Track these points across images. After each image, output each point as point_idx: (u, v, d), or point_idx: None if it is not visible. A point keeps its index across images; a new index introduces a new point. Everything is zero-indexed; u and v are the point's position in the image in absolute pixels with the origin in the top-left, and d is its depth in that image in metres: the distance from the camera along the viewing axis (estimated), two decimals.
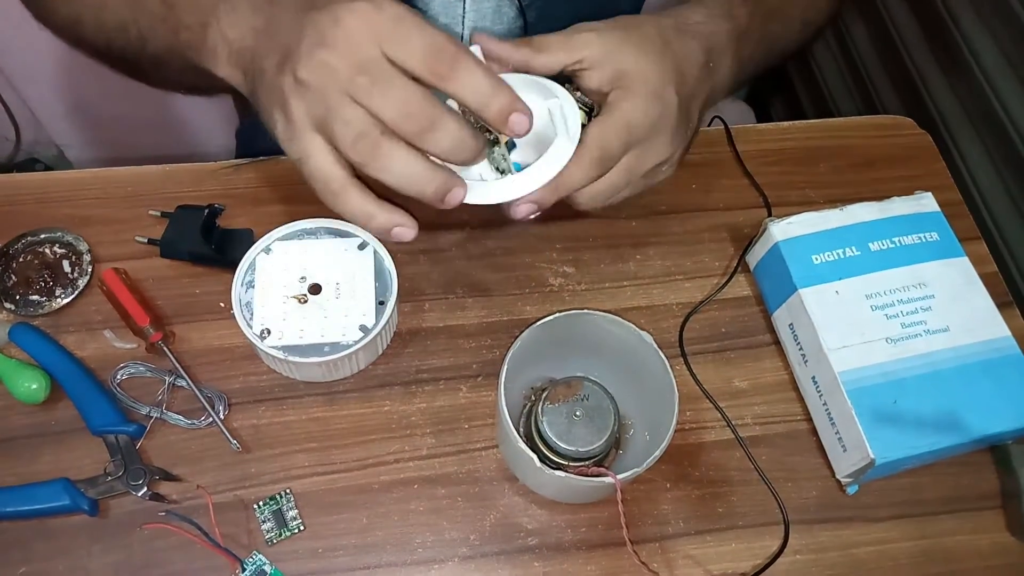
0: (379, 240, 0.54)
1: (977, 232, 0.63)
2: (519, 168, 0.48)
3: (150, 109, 1.23)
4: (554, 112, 0.48)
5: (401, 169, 0.41)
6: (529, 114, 0.42)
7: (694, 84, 0.50)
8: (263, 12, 0.46)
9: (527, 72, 0.49)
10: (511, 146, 0.51)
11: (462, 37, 0.65)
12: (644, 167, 0.49)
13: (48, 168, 1.39)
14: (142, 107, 1.22)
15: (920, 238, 0.56)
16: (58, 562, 0.48)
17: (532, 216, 0.48)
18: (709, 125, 0.66)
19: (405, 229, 0.44)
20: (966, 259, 0.55)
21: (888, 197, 0.57)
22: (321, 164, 0.43)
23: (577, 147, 0.46)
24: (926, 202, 0.57)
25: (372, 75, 0.40)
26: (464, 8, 0.63)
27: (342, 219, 0.51)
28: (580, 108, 0.49)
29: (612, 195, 0.50)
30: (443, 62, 0.40)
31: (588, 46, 0.48)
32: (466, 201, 0.45)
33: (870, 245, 0.55)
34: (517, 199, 0.47)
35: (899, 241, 0.56)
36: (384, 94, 0.40)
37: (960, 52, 0.88)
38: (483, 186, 0.47)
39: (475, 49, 0.48)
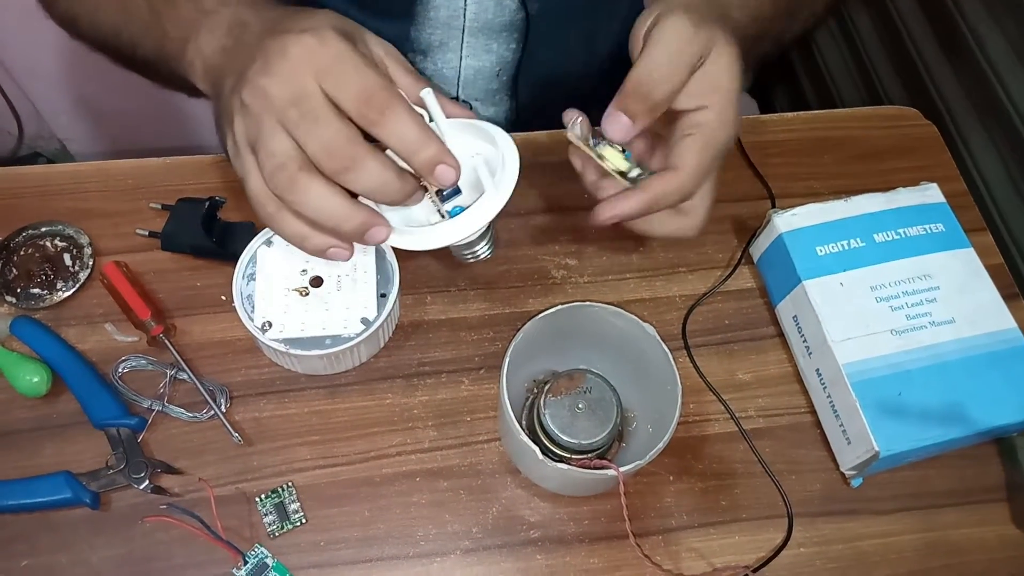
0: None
1: (983, 223, 0.62)
2: (455, 213, 0.47)
3: (153, 103, 1.23)
4: (488, 161, 0.47)
5: (316, 203, 0.42)
6: (456, 166, 0.43)
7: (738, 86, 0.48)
8: (234, 33, 0.47)
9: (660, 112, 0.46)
10: (455, 192, 0.48)
11: (463, 30, 0.65)
12: (719, 160, 0.48)
13: (51, 162, 1.39)
14: (145, 101, 1.21)
15: (925, 229, 0.55)
16: (60, 555, 0.48)
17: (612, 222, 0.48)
18: None
19: (338, 250, 0.45)
20: (972, 250, 0.55)
21: (893, 188, 0.57)
22: (256, 186, 0.44)
23: (679, 173, 0.45)
24: (931, 193, 0.57)
25: (303, 108, 0.41)
26: (465, 1, 0.63)
27: None
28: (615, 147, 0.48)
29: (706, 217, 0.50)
30: (374, 108, 0.41)
31: (693, 44, 0.44)
32: (392, 245, 0.46)
33: (875, 236, 0.55)
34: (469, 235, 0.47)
35: (904, 232, 0.55)
36: (310, 129, 0.41)
37: (965, 41, 0.87)
38: (411, 232, 0.46)
39: (426, 93, 0.47)
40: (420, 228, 0.47)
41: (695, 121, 0.46)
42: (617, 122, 0.45)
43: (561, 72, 0.70)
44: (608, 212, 0.47)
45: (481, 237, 0.49)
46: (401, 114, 0.41)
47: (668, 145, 0.47)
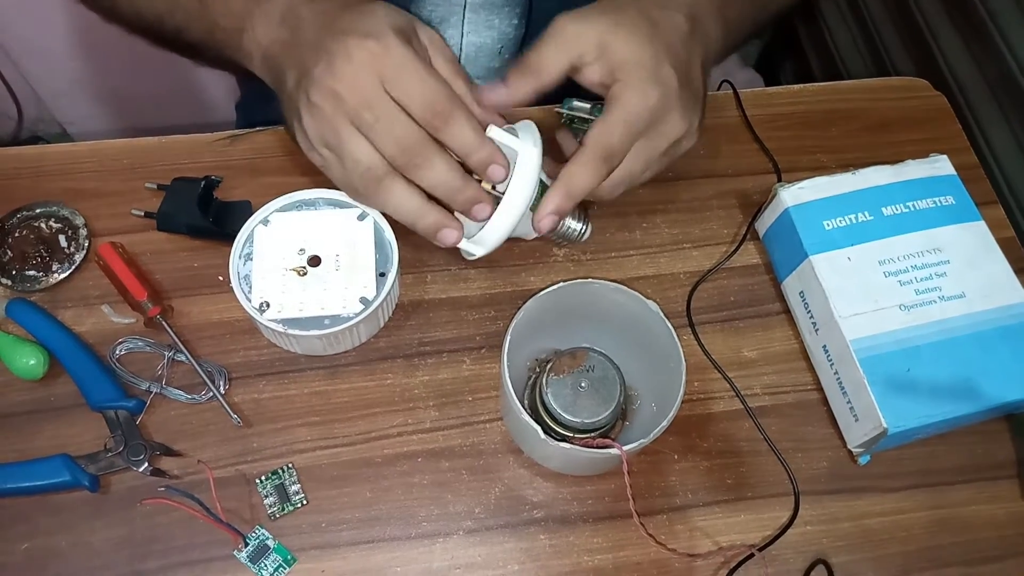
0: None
1: (994, 196, 0.61)
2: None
3: (152, 85, 1.22)
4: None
5: (396, 203, 0.47)
6: (505, 164, 0.47)
7: (687, 54, 0.49)
8: (288, 25, 0.49)
9: (539, 88, 0.48)
10: None
11: (464, 5, 0.63)
12: (659, 149, 0.49)
13: None
14: (145, 83, 1.20)
15: (935, 202, 0.54)
16: (60, 538, 0.47)
17: (557, 226, 0.50)
18: (719, 89, 0.65)
19: (450, 231, 0.48)
20: (983, 223, 0.54)
21: (902, 161, 0.56)
22: (339, 177, 0.48)
23: (581, 151, 0.47)
24: (941, 165, 0.56)
25: (376, 112, 0.44)
26: None
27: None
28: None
29: (632, 181, 0.50)
30: (439, 116, 0.45)
31: (579, 40, 0.47)
32: (463, 248, 0.49)
33: (883, 210, 0.54)
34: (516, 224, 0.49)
35: (913, 205, 0.54)
36: (386, 130, 0.45)
37: (976, 11, 0.85)
38: (474, 236, 0.49)
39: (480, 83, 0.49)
40: (479, 230, 0.49)
41: (608, 95, 0.48)
42: (494, 90, 0.48)
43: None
44: (544, 216, 0.48)
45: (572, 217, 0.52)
46: (462, 121, 0.45)
47: None
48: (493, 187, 0.48)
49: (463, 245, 0.49)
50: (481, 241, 0.49)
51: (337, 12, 0.47)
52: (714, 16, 0.52)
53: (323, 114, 0.45)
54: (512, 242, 0.57)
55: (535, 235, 0.51)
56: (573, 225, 0.53)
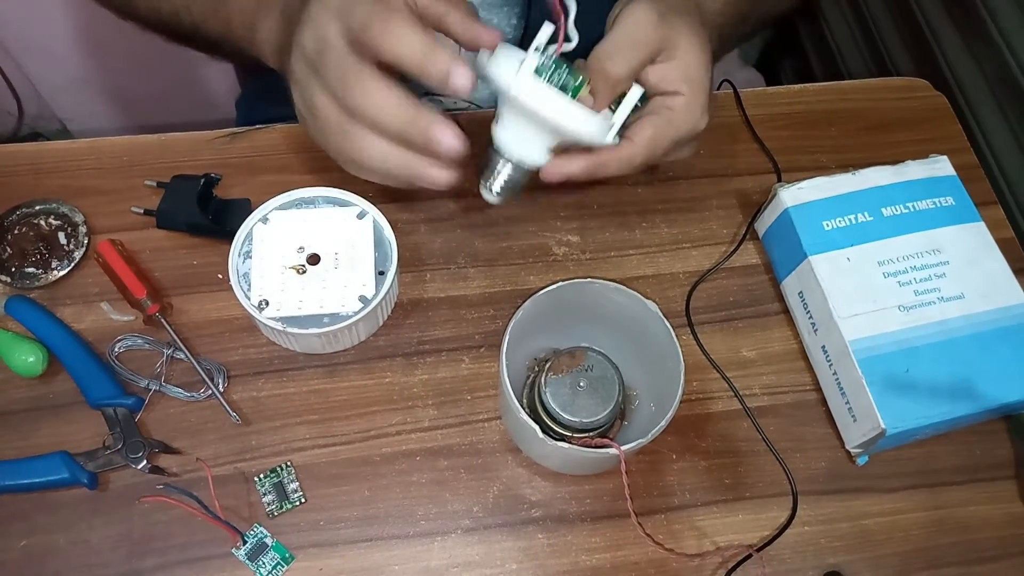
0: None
1: (993, 196, 0.61)
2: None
3: (153, 82, 1.22)
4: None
5: (375, 89, 0.42)
6: (470, 74, 0.42)
7: (714, 61, 0.50)
8: (287, 16, 0.49)
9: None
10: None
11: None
12: (680, 144, 0.50)
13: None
14: (145, 80, 1.20)
15: (935, 203, 0.54)
16: (59, 535, 0.47)
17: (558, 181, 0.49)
18: (719, 88, 0.65)
19: (432, 170, 0.44)
20: (982, 224, 0.54)
21: (902, 161, 0.56)
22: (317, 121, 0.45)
23: (628, 145, 0.47)
24: (941, 166, 0.56)
25: (323, 56, 0.43)
26: None
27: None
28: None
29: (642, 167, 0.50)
30: (374, 30, 0.42)
31: (647, 34, 0.46)
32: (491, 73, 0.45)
33: (883, 210, 0.54)
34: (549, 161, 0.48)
35: (913, 206, 0.54)
36: (327, 63, 0.43)
37: (976, 10, 0.85)
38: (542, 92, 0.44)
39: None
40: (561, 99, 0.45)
41: (664, 104, 0.48)
42: (561, 176, 0.48)
43: None
44: (556, 170, 0.48)
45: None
46: (398, 29, 0.41)
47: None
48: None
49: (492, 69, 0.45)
50: (593, 142, 0.47)
51: None
52: (725, 34, 0.55)
53: (297, 83, 0.46)
54: (511, 241, 0.57)
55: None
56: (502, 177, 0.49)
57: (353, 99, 0.43)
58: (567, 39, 0.45)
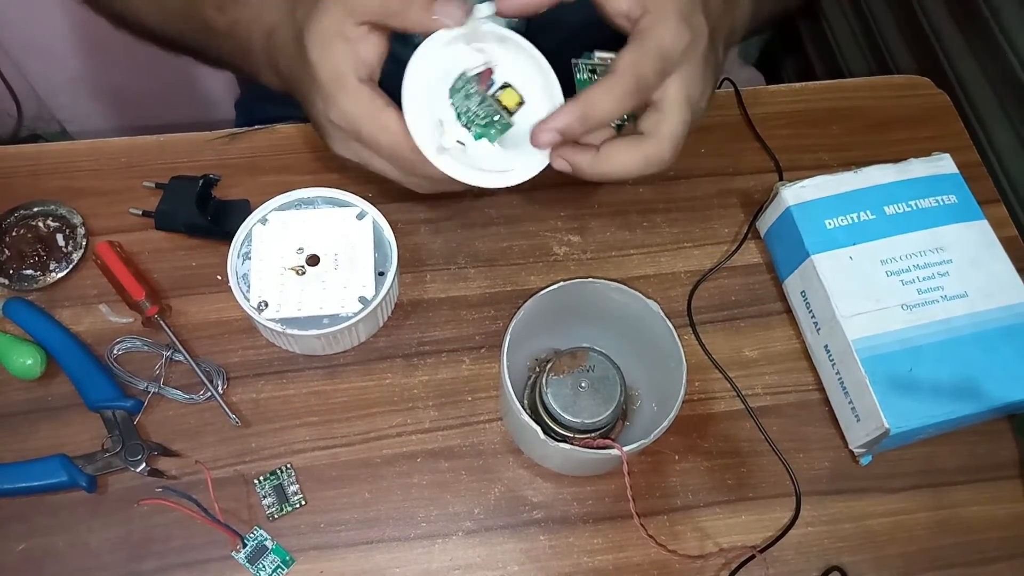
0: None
1: (996, 195, 0.61)
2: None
3: (152, 83, 1.22)
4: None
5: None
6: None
7: (717, 15, 0.47)
8: (276, 72, 0.51)
9: None
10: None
11: None
12: (694, 96, 0.46)
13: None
14: (144, 81, 1.20)
15: (938, 201, 0.54)
16: (58, 538, 0.47)
17: (557, 144, 0.45)
18: (720, 87, 0.64)
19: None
20: (985, 222, 0.53)
21: (904, 159, 0.55)
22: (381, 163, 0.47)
23: (609, 77, 0.43)
24: (944, 164, 0.55)
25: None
26: None
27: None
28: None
29: (680, 144, 0.46)
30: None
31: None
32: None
33: (886, 209, 0.53)
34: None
35: (916, 204, 0.54)
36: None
37: (978, 8, 0.85)
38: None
39: (486, 7, 0.45)
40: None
41: (636, 28, 0.44)
42: (550, 138, 0.45)
43: (567, 31, 0.68)
44: (544, 128, 0.44)
45: None
46: (421, 170, 0.44)
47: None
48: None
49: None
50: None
51: (299, 72, 0.47)
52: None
53: (336, 142, 0.48)
54: (511, 241, 0.57)
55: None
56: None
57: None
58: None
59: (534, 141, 0.44)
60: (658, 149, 0.45)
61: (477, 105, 0.45)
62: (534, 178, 0.47)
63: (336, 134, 0.47)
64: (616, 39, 0.45)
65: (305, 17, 0.45)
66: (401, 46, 0.46)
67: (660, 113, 0.45)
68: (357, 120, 0.45)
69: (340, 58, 0.45)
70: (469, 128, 0.46)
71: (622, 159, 0.45)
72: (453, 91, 0.45)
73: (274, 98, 0.53)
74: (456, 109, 0.46)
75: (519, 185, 0.46)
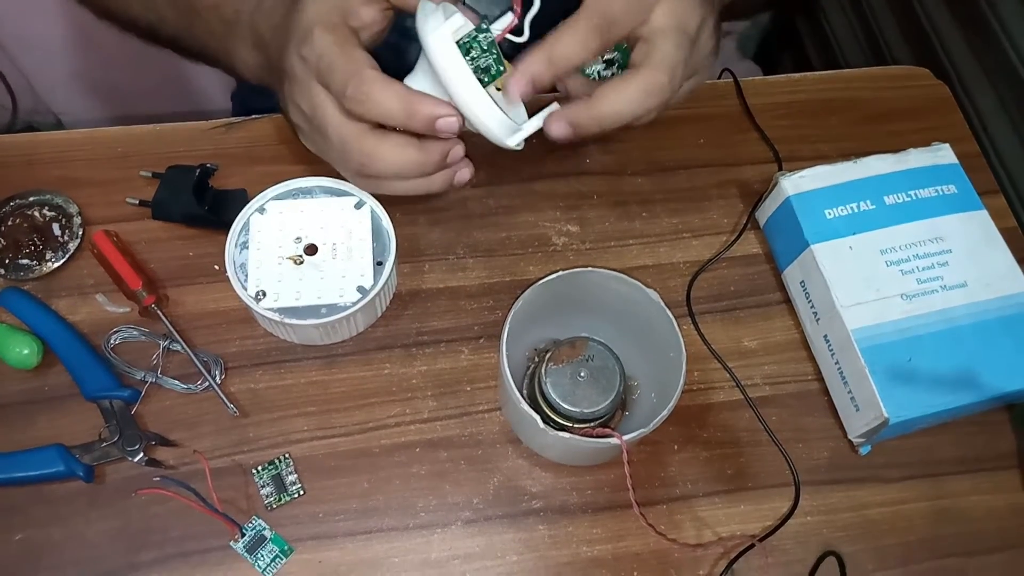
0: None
1: (995, 185, 0.61)
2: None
3: (148, 76, 1.21)
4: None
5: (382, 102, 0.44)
6: (452, 112, 0.43)
7: None
8: (259, 49, 0.51)
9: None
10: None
11: None
12: (688, 24, 0.44)
13: None
14: (140, 74, 1.19)
15: (937, 191, 0.54)
16: (55, 528, 0.47)
17: (528, 94, 0.44)
18: (719, 78, 0.64)
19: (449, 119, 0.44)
20: (985, 212, 0.53)
21: (903, 150, 0.55)
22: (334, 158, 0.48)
23: (574, 15, 0.42)
24: (943, 154, 0.55)
25: (314, 120, 0.47)
26: None
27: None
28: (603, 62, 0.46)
29: (679, 72, 0.44)
30: (357, 97, 0.43)
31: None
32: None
33: (885, 199, 0.53)
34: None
35: (915, 194, 0.54)
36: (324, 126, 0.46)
37: (975, 1, 0.85)
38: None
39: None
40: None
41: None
42: (523, 88, 0.44)
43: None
44: (514, 79, 0.43)
45: None
46: (378, 93, 0.43)
47: None
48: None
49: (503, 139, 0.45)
50: (486, 132, 0.45)
51: (282, 27, 0.47)
52: None
53: (301, 131, 0.49)
54: (510, 231, 0.57)
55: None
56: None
57: (358, 101, 0.44)
58: (519, 31, 0.44)
59: (507, 94, 0.43)
60: (654, 76, 0.43)
61: (477, 57, 0.44)
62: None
63: (299, 80, 0.45)
64: None
65: None
66: (403, 39, 0.46)
67: (649, 42, 0.44)
68: (327, 48, 0.43)
69: (332, 4, 0.45)
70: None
71: (618, 95, 0.44)
72: (464, 44, 0.44)
73: (270, 91, 0.53)
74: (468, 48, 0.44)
75: (520, 150, 0.46)
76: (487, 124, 0.44)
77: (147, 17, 0.57)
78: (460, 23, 0.43)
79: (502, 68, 0.44)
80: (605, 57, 0.45)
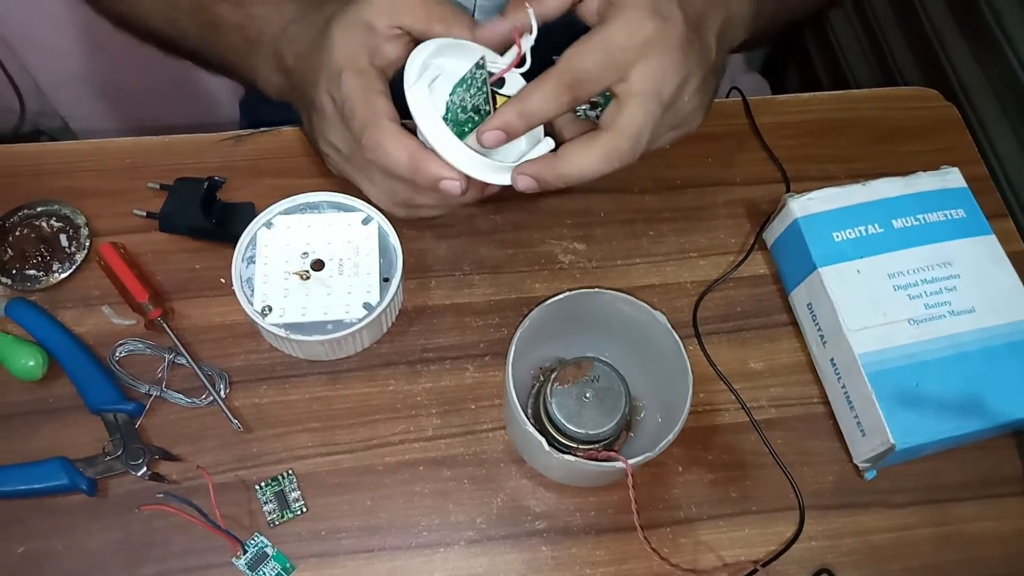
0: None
1: (1004, 209, 0.60)
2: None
3: (156, 81, 1.21)
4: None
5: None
6: (455, 176, 0.45)
7: (703, 5, 0.45)
8: (283, 74, 0.52)
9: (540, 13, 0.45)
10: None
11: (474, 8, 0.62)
12: (665, 88, 0.43)
13: (52, 140, 1.37)
14: (148, 79, 1.19)
15: (946, 215, 0.54)
16: (57, 541, 0.47)
17: (501, 143, 0.46)
18: (727, 96, 0.64)
19: (452, 182, 0.45)
20: (993, 237, 0.53)
21: (912, 172, 0.55)
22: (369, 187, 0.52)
23: (547, 72, 0.43)
24: (952, 177, 0.55)
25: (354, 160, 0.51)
26: None
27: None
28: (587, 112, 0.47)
29: (645, 137, 0.44)
30: (367, 148, 0.46)
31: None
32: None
33: (893, 222, 0.53)
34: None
35: (924, 218, 0.53)
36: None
37: (983, 18, 0.85)
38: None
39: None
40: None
41: (598, 19, 0.44)
42: (496, 138, 0.46)
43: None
44: (485, 128, 0.45)
45: None
46: (389, 144, 0.45)
47: None
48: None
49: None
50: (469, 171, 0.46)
51: (307, 56, 0.48)
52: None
53: (329, 158, 0.52)
54: (517, 248, 0.57)
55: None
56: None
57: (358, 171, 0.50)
58: (521, 63, 0.46)
59: (481, 140, 0.45)
60: (616, 142, 0.44)
61: (473, 95, 0.46)
62: None
63: (328, 117, 0.47)
64: None
65: (339, 9, 0.47)
66: None
67: (620, 104, 0.44)
68: (352, 94, 0.45)
69: (360, 41, 0.46)
70: (448, 119, 0.46)
71: (579, 157, 0.45)
72: (463, 81, 0.45)
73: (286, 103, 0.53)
74: (451, 100, 0.46)
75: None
76: (466, 172, 0.46)
77: (167, 31, 0.58)
78: (434, 75, 0.46)
79: (489, 108, 0.46)
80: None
